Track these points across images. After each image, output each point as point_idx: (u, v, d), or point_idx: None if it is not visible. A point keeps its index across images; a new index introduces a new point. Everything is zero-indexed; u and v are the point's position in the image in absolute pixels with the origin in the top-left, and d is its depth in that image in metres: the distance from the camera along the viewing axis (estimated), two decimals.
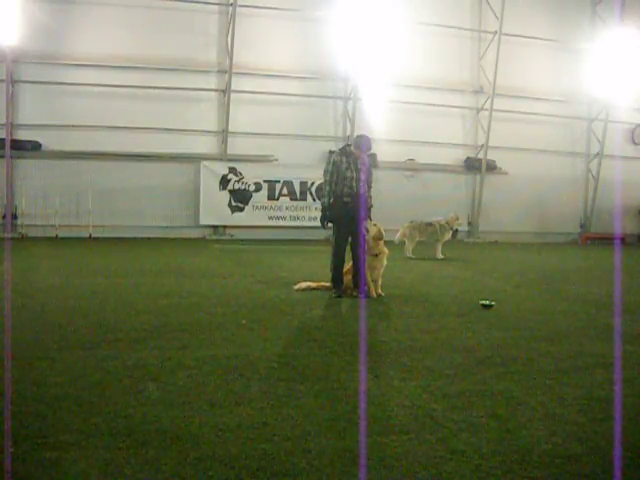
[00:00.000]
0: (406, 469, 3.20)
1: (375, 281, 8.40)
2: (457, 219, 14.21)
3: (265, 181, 17.95)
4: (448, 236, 14.17)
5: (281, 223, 18.14)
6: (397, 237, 13.80)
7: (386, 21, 17.71)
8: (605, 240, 20.12)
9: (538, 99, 19.75)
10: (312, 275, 9.61)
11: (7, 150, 15.71)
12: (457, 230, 15.14)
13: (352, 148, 8.52)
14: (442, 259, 13.52)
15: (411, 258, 13.45)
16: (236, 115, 17.49)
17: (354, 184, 8.30)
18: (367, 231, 8.35)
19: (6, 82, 15.86)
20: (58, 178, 16.29)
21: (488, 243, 19.24)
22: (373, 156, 16.91)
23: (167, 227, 17.20)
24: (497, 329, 6.52)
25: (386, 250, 8.53)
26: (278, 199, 18.07)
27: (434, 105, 18.88)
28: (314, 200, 17.68)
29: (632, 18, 19.34)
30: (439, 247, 13.80)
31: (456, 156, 19.92)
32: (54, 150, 16.45)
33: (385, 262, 8.50)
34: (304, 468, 3.18)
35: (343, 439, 3.54)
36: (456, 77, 19.54)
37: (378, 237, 8.38)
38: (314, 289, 8.66)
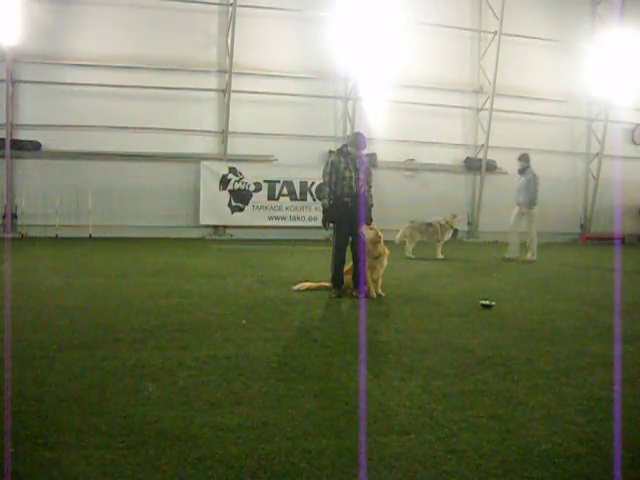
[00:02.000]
0: (406, 469, 3.21)
1: (375, 281, 8.39)
2: (455, 216, 14.18)
3: (265, 181, 17.94)
4: (448, 236, 14.17)
5: (281, 223, 18.13)
6: (397, 237, 13.80)
7: (386, 21, 17.70)
8: (605, 240, 20.12)
9: (538, 99, 19.74)
10: (312, 275, 9.61)
11: (7, 150, 15.72)
12: (457, 230, 15.13)
13: (349, 148, 8.51)
14: (442, 259, 13.52)
15: (411, 258, 13.45)
16: (236, 115, 17.49)
17: (353, 184, 8.29)
18: (364, 236, 8.32)
19: (6, 82, 15.85)
20: (58, 178, 16.28)
21: (488, 243, 19.22)
22: (373, 156, 16.93)
23: (167, 227, 17.19)
24: (497, 329, 6.53)
25: (387, 251, 8.52)
26: (278, 199, 18.06)
27: (434, 105, 18.88)
28: (314, 200, 17.67)
29: (632, 18, 19.33)
30: (439, 247, 13.80)
31: (456, 156, 19.92)
32: (54, 150, 16.44)
33: (385, 263, 8.49)
34: (304, 468, 3.19)
35: (343, 439, 3.54)
36: (456, 77, 19.53)
37: (375, 241, 8.36)
38: (314, 289, 8.66)
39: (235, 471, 3.14)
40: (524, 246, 14.06)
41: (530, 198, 13.77)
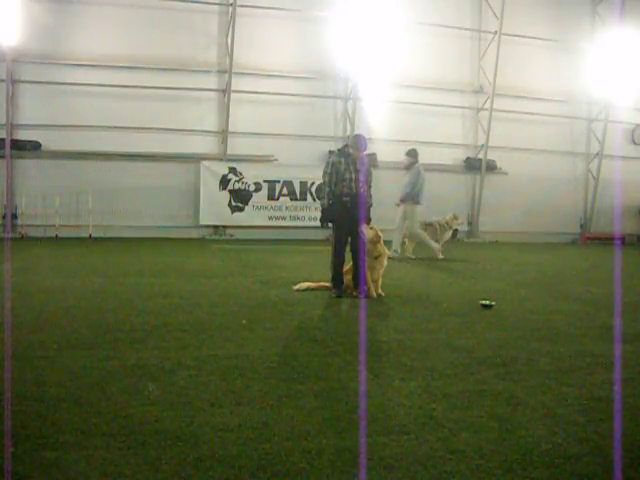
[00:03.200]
0: (406, 469, 3.21)
1: (375, 281, 8.39)
2: (456, 219, 14.15)
3: (265, 181, 17.93)
4: (448, 236, 14.16)
5: (281, 223, 18.13)
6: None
7: (386, 21, 17.70)
8: (605, 240, 20.12)
9: (538, 99, 19.74)
10: (312, 275, 9.61)
11: (7, 150, 15.71)
12: (457, 230, 15.13)
13: (350, 149, 8.51)
14: (442, 259, 13.51)
15: (411, 258, 13.46)
16: (236, 115, 17.49)
17: (353, 185, 8.30)
18: (364, 235, 8.33)
19: (6, 82, 15.85)
20: (58, 178, 16.27)
21: (488, 243, 19.24)
22: (373, 156, 16.91)
23: (167, 227, 17.19)
24: (497, 329, 6.53)
25: (386, 251, 8.53)
26: (278, 199, 18.06)
27: (434, 105, 18.87)
28: (314, 200, 17.66)
29: (632, 18, 19.33)
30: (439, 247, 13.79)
31: (456, 156, 19.91)
32: (54, 150, 16.44)
33: (385, 263, 8.49)
34: (304, 468, 3.19)
35: (343, 439, 3.54)
36: (456, 77, 19.52)
37: (375, 240, 8.37)
38: (314, 289, 8.66)
39: (235, 471, 3.14)
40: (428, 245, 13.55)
41: (412, 195, 13.24)
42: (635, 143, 21.48)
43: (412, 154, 13.55)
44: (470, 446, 3.49)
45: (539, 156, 20.03)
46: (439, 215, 14.51)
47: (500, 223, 19.70)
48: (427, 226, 13.91)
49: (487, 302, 7.76)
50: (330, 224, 8.55)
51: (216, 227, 17.97)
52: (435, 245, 13.54)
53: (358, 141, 8.51)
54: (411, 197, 13.28)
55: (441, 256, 13.64)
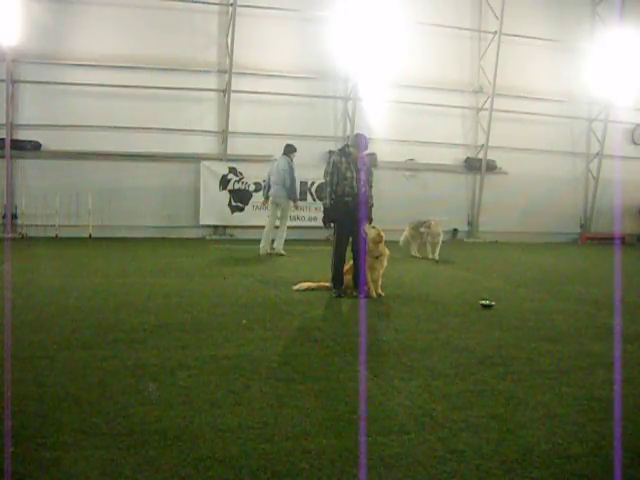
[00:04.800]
0: (406, 469, 3.21)
1: (375, 281, 8.39)
2: (431, 225, 13.86)
3: (265, 181, 17.90)
4: (442, 237, 14.08)
5: None
6: (401, 241, 13.81)
7: (386, 21, 17.70)
8: (605, 240, 20.12)
9: (538, 99, 19.74)
10: (312, 275, 9.61)
11: (7, 150, 15.71)
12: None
13: (351, 148, 8.52)
14: (441, 259, 13.49)
15: (416, 257, 13.48)
16: (236, 115, 17.48)
17: (354, 184, 8.31)
18: (366, 234, 8.34)
19: (6, 82, 15.84)
20: (58, 178, 16.26)
21: (488, 243, 19.23)
22: (373, 156, 16.91)
23: (167, 227, 17.19)
24: (497, 329, 6.53)
25: (387, 251, 8.53)
26: None
27: (434, 105, 18.86)
28: (314, 200, 17.66)
29: (632, 18, 19.33)
30: (437, 247, 13.73)
31: (456, 156, 19.91)
32: (54, 150, 16.43)
33: (385, 263, 8.49)
34: (304, 468, 3.19)
35: (343, 439, 3.54)
36: (456, 77, 19.52)
37: (377, 240, 8.37)
38: (314, 289, 8.66)
39: (235, 471, 3.14)
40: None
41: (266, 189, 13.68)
42: (635, 143, 21.47)
43: (286, 149, 13.54)
44: (470, 446, 3.49)
45: (539, 156, 20.02)
46: (436, 216, 14.47)
47: (500, 223, 19.69)
48: (422, 224, 13.84)
49: (487, 302, 7.76)
50: (332, 224, 8.56)
51: (216, 227, 17.96)
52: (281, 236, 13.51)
53: (359, 140, 8.51)
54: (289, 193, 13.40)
55: (436, 257, 13.62)
